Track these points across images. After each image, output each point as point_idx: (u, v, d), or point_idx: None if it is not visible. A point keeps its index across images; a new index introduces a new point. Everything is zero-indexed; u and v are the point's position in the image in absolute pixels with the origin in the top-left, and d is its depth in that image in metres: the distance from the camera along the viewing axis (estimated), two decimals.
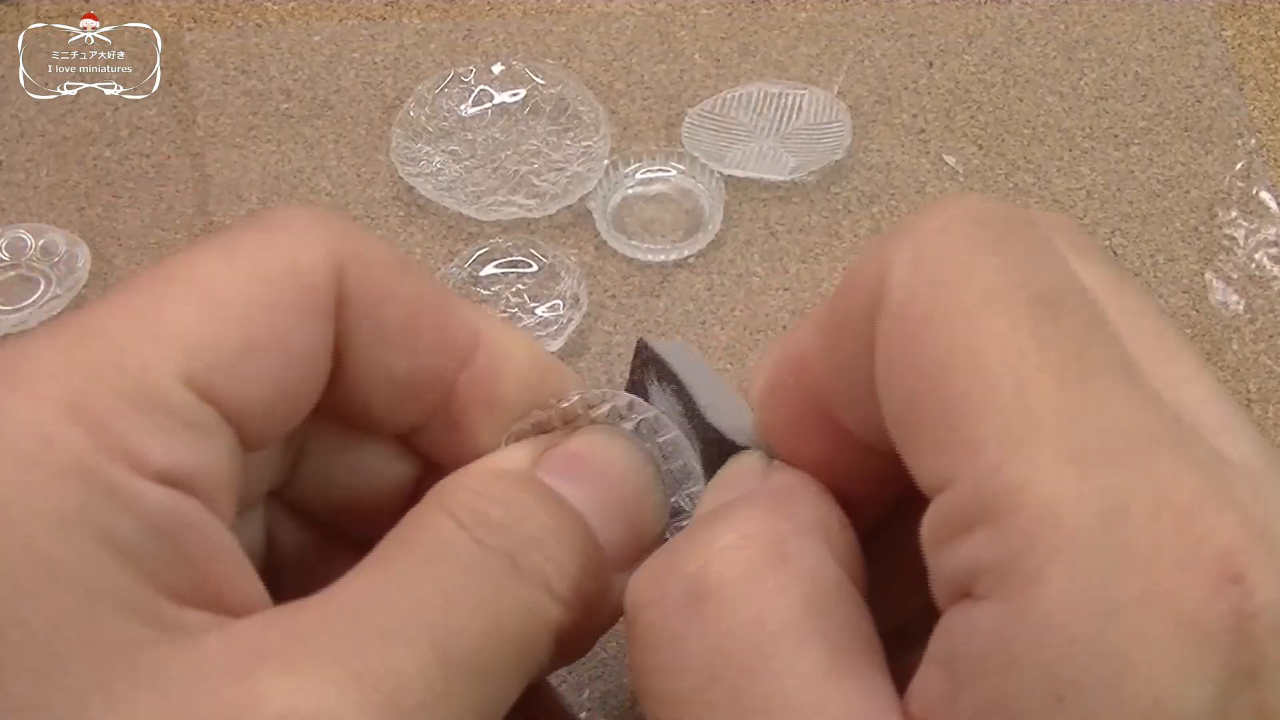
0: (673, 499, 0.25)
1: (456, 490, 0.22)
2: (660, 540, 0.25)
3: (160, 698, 0.18)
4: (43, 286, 0.48)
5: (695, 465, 0.25)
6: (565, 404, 0.25)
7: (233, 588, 0.20)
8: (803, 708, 0.18)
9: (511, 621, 0.21)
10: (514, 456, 0.24)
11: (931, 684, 0.18)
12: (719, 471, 0.24)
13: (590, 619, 0.23)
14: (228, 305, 0.21)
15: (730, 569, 0.20)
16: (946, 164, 0.53)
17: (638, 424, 0.25)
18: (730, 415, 0.25)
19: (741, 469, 0.24)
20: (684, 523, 0.25)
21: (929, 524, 0.18)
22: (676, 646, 0.20)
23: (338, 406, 0.24)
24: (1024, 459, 0.16)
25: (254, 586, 0.21)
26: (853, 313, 0.20)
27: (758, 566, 0.20)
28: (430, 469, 0.25)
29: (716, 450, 0.25)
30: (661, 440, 0.25)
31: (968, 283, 0.18)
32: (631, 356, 0.27)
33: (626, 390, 0.26)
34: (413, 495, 0.23)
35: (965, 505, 0.17)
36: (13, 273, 0.48)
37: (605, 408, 0.25)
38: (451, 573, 0.21)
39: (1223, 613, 0.15)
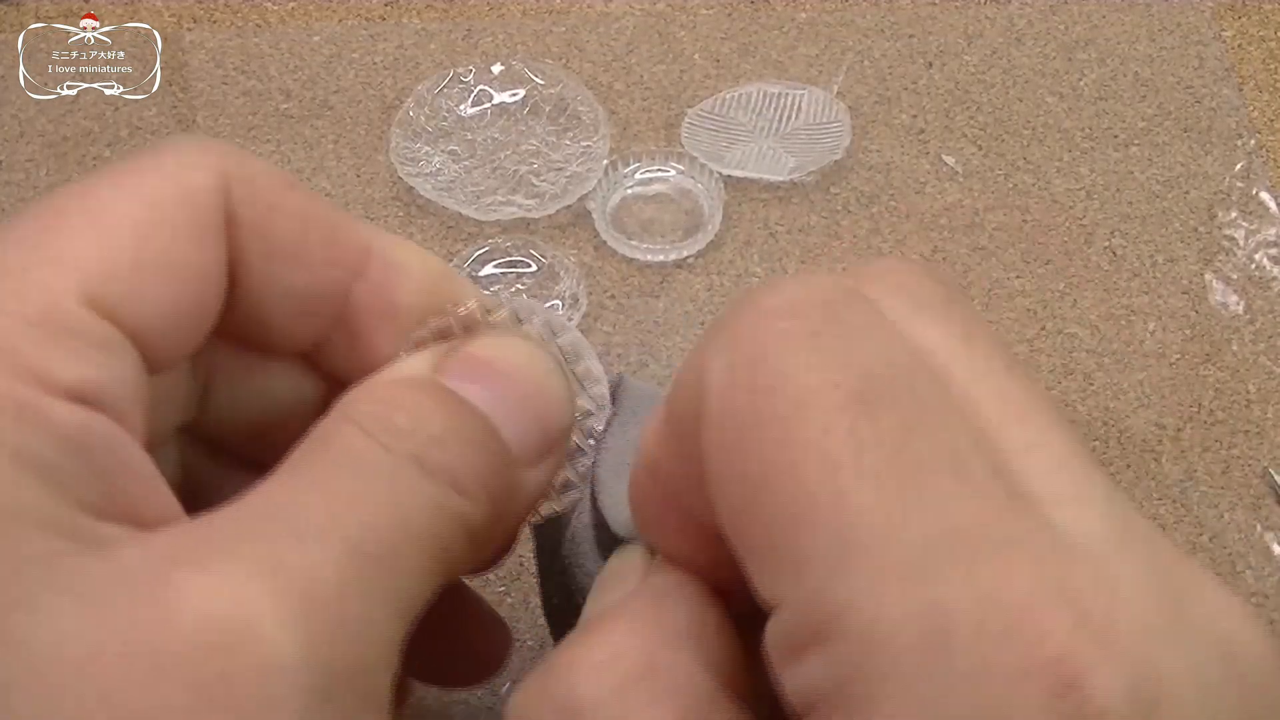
0: (578, 400, 0.26)
1: (360, 400, 0.23)
2: (568, 436, 0.25)
3: (81, 606, 0.18)
4: None
5: (596, 366, 0.26)
6: (464, 310, 0.25)
7: (148, 502, 0.20)
8: None
9: (421, 517, 0.21)
10: (415, 364, 0.24)
11: None
12: (602, 569, 0.24)
13: (500, 514, 0.23)
14: (120, 229, 0.21)
15: (598, 689, 0.19)
16: (946, 164, 0.53)
17: (539, 326, 0.26)
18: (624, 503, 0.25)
19: (622, 567, 0.24)
20: (589, 422, 0.26)
21: (769, 642, 0.17)
22: None
23: (238, 328, 0.24)
24: (845, 578, 0.16)
25: (168, 501, 0.21)
26: (684, 421, 0.19)
27: (627, 684, 0.19)
28: (336, 386, 0.26)
29: (609, 536, 0.25)
30: (561, 341, 0.26)
31: (784, 385, 0.17)
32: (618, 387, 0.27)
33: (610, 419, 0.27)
34: (320, 415, 0.23)
35: (797, 626, 0.17)
36: None
37: (504, 312, 0.25)
38: (359, 476, 0.21)
39: None
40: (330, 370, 0.26)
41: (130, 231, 0.21)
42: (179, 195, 0.22)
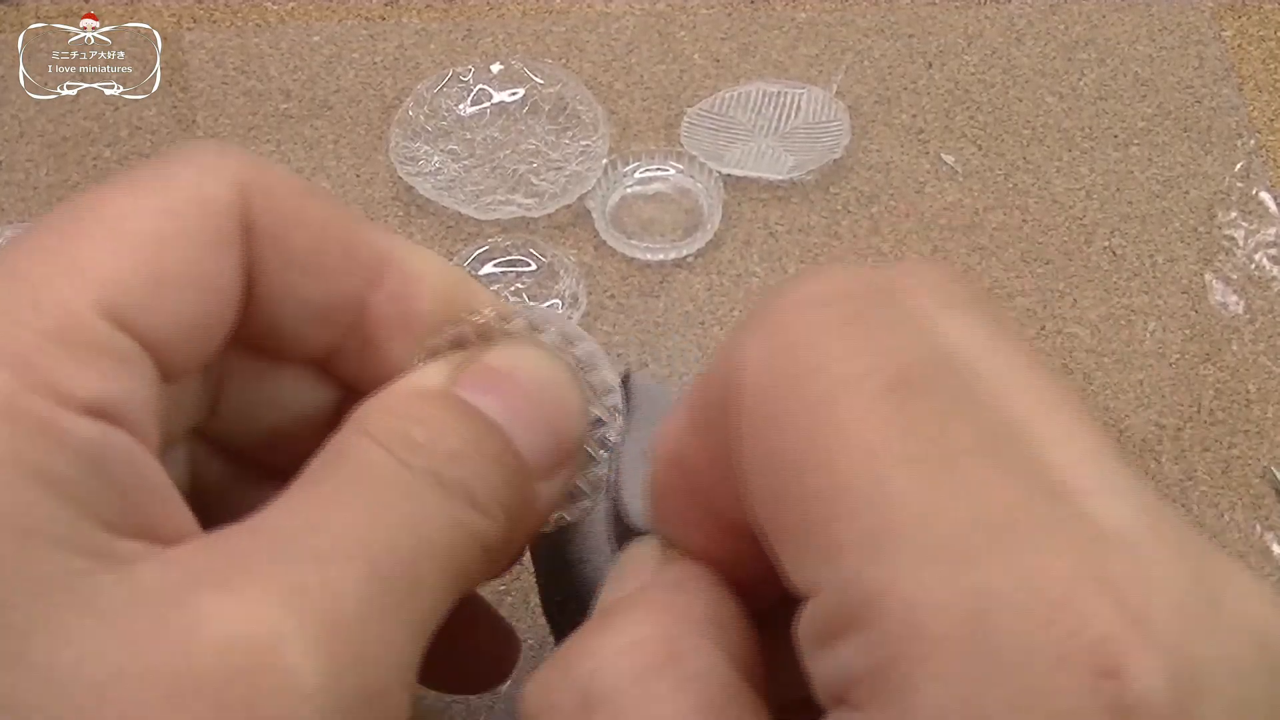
0: (591, 409, 0.25)
1: (377, 413, 0.23)
2: (580, 448, 0.25)
3: (101, 626, 0.18)
4: None
5: (610, 375, 0.26)
6: (479, 318, 0.25)
7: (164, 517, 0.20)
8: None
9: (439, 535, 0.21)
10: (431, 375, 0.24)
11: None
12: (617, 559, 0.24)
13: (514, 527, 0.23)
14: (137, 238, 0.21)
15: (620, 675, 0.19)
16: (946, 164, 0.53)
17: (554, 335, 0.25)
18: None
19: (638, 557, 0.23)
20: (602, 431, 0.26)
21: (802, 630, 0.17)
22: None
23: (254, 335, 0.24)
24: (885, 561, 0.16)
25: (184, 515, 0.21)
26: (713, 410, 0.19)
27: (648, 671, 0.19)
28: (350, 394, 0.26)
29: (624, 529, 0.25)
30: (577, 350, 0.25)
31: (821, 371, 0.17)
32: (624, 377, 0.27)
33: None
34: (333, 422, 0.23)
35: (833, 612, 0.16)
36: None
37: (520, 320, 0.25)
38: (378, 493, 0.21)
39: (1101, 709, 0.14)
40: (344, 377, 0.26)
41: (148, 242, 0.21)
42: (196, 205, 0.22)
